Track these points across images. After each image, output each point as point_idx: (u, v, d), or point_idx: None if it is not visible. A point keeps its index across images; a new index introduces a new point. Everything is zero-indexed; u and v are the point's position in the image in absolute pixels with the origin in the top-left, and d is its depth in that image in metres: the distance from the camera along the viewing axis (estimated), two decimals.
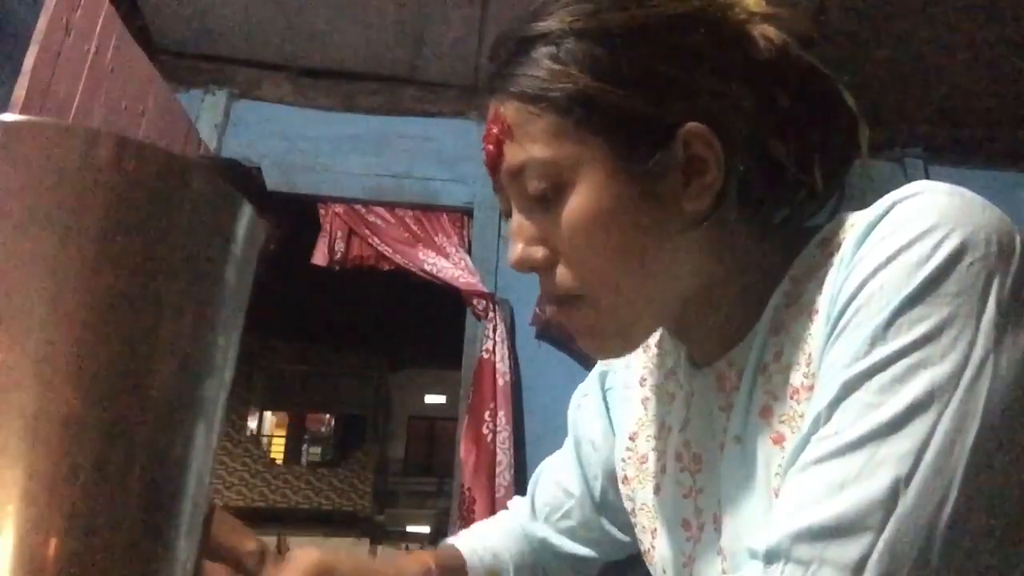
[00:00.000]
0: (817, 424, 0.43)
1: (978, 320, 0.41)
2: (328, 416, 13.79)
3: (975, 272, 0.42)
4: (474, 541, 0.77)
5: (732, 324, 0.56)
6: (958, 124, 2.91)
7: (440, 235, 2.72)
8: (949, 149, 2.93)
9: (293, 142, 2.80)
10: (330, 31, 2.67)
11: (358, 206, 2.75)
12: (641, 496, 0.66)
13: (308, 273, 2.80)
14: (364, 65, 2.84)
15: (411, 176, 2.81)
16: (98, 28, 1.76)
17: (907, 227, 0.44)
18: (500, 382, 2.46)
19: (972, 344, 0.41)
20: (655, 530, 0.63)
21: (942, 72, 2.65)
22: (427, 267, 2.65)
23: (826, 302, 0.48)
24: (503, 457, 2.38)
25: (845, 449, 0.41)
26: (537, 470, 0.82)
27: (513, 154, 0.52)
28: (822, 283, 0.50)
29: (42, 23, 1.56)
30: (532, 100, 0.51)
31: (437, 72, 2.85)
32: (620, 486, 0.69)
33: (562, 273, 0.53)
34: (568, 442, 0.79)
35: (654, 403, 0.66)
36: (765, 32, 0.54)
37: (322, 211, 2.76)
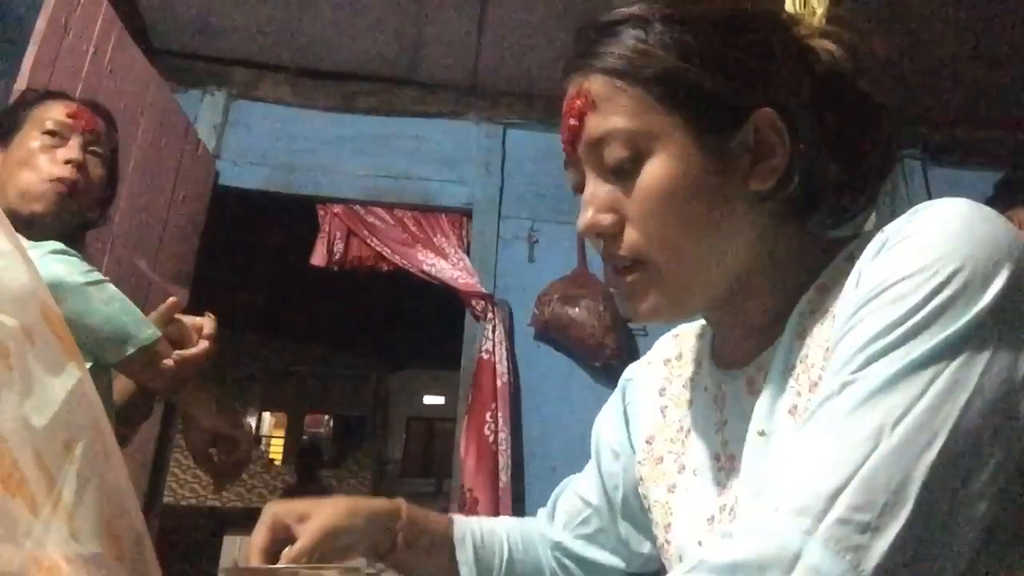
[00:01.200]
0: (825, 400, 0.45)
1: (989, 317, 0.43)
2: (327, 417, 13.77)
3: (991, 272, 0.44)
4: (475, 520, 0.79)
5: (762, 327, 0.59)
6: (957, 125, 2.91)
7: (439, 236, 2.72)
8: (948, 150, 2.93)
9: (292, 142, 2.79)
10: (329, 32, 2.67)
11: (357, 207, 2.75)
12: (655, 494, 0.69)
13: (307, 274, 2.80)
14: (363, 66, 2.84)
15: (410, 177, 2.81)
16: (97, 28, 1.76)
17: (928, 234, 0.47)
18: (499, 383, 2.46)
19: (980, 338, 0.43)
20: (669, 525, 0.66)
21: (941, 73, 2.65)
22: (426, 268, 2.65)
23: (841, 308, 0.51)
24: (503, 457, 2.38)
25: (843, 412, 0.44)
26: (560, 485, 0.84)
27: (596, 124, 0.56)
28: (841, 292, 0.53)
29: (41, 23, 1.56)
30: (619, 75, 0.56)
31: (436, 73, 2.85)
32: (638, 487, 0.72)
33: (631, 237, 0.57)
34: (592, 455, 0.81)
35: (671, 410, 0.70)
36: (826, 46, 0.59)
37: (321, 212, 2.76)
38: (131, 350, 1.02)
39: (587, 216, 0.58)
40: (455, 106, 2.92)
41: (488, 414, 2.42)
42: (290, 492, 6.01)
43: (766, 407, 0.56)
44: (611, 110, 0.56)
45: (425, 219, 2.76)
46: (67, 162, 1.16)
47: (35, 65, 1.52)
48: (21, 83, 1.49)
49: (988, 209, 0.48)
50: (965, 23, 2.42)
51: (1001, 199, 1.67)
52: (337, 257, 2.71)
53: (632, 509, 0.76)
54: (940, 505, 0.40)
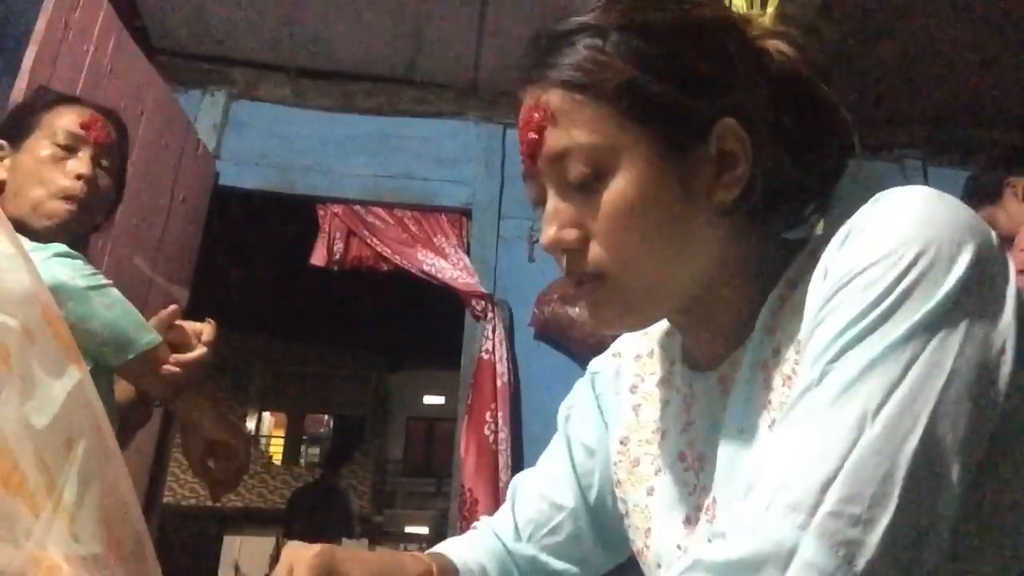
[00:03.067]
0: (805, 391, 0.46)
1: (959, 294, 0.44)
2: (327, 417, 13.78)
3: (956, 252, 0.45)
4: (464, 552, 0.73)
5: (732, 327, 0.59)
6: (957, 125, 2.91)
7: (439, 236, 2.72)
8: (948, 150, 2.93)
9: (292, 142, 2.80)
10: (329, 32, 2.67)
11: (357, 207, 2.75)
12: (634, 498, 0.67)
13: (307, 274, 2.81)
14: (363, 66, 2.84)
15: (410, 177, 2.81)
16: (97, 28, 1.76)
17: (890, 219, 0.47)
18: (499, 383, 2.46)
19: (952, 313, 0.44)
20: (648, 529, 0.65)
21: (942, 73, 2.65)
22: (426, 268, 2.65)
23: (810, 301, 0.51)
24: (503, 457, 2.38)
25: (824, 400, 0.44)
26: (511, 487, 0.79)
27: (556, 139, 0.55)
28: (809, 286, 0.53)
29: (41, 23, 1.56)
30: (578, 88, 0.54)
31: (436, 73, 2.85)
32: (616, 490, 0.70)
33: (595, 252, 0.56)
34: (557, 452, 0.77)
35: (645, 409, 0.68)
36: (779, 47, 0.58)
37: (321, 212, 2.76)
38: (131, 355, 1.03)
39: (551, 232, 0.57)
40: (455, 106, 2.92)
41: (488, 414, 2.42)
42: (314, 488, 6.03)
43: (741, 404, 0.56)
44: (571, 124, 0.54)
45: (425, 219, 2.76)
46: (77, 176, 1.15)
47: (35, 65, 1.52)
48: (21, 83, 1.49)
49: (946, 195, 0.48)
50: (965, 23, 2.42)
51: (998, 164, 1.67)
52: (337, 257, 2.71)
53: (607, 508, 0.72)
54: (924, 493, 0.41)
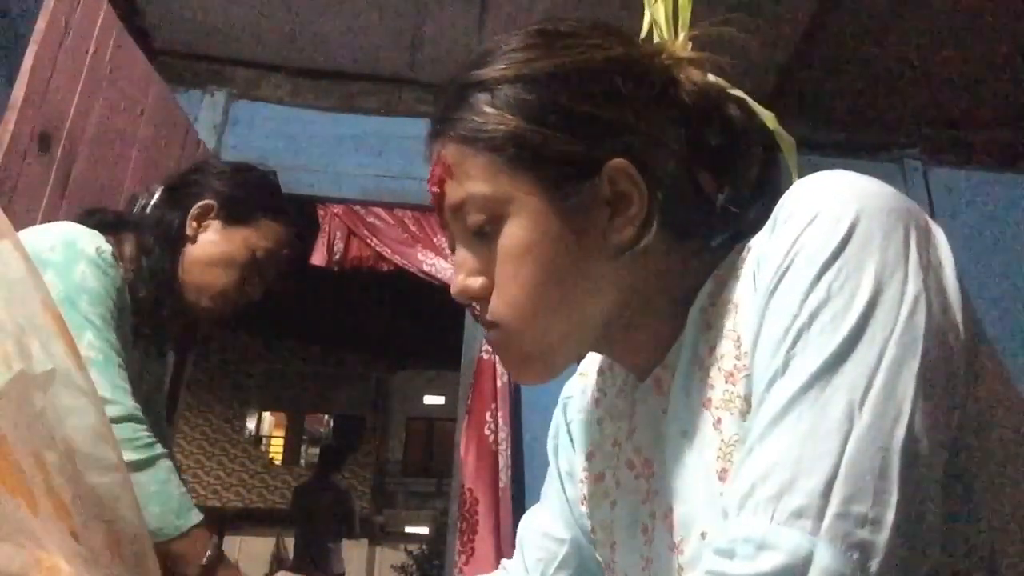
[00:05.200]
0: (772, 383, 0.45)
1: (905, 261, 0.44)
2: (327, 417, 13.79)
3: (893, 221, 0.45)
4: None
5: (663, 334, 0.59)
6: (957, 126, 2.91)
7: (439, 236, 2.72)
8: (948, 151, 2.93)
9: (292, 142, 2.80)
10: (329, 32, 2.67)
11: (357, 207, 2.75)
12: (599, 514, 0.67)
13: (307, 274, 2.81)
14: (363, 66, 2.84)
15: (410, 176, 2.81)
16: (97, 28, 1.76)
17: (816, 197, 0.47)
18: (499, 383, 2.46)
19: (904, 282, 0.43)
20: (614, 543, 0.64)
21: (941, 74, 2.65)
22: (426, 268, 2.65)
23: (742, 295, 0.51)
24: (503, 457, 2.38)
25: (800, 392, 0.43)
26: (520, 525, 0.80)
27: (453, 191, 0.57)
28: (740, 277, 0.53)
29: (41, 23, 1.56)
30: (470, 141, 0.56)
31: (436, 73, 2.85)
32: (581, 507, 0.70)
33: (493, 301, 0.57)
34: (551, 485, 0.78)
35: (607, 422, 0.68)
36: (690, 75, 0.59)
37: (321, 212, 2.76)
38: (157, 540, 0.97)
39: (458, 280, 0.59)
40: None
41: (488, 414, 2.42)
42: (314, 488, 5.96)
43: (681, 405, 0.55)
44: (465, 177, 0.56)
45: (425, 219, 2.76)
46: (247, 296, 1.24)
47: (35, 65, 1.52)
48: (21, 83, 1.49)
49: (863, 175, 0.48)
50: (965, 23, 2.42)
51: None
52: (337, 257, 2.71)
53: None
54: (919, 480, 0.41)
